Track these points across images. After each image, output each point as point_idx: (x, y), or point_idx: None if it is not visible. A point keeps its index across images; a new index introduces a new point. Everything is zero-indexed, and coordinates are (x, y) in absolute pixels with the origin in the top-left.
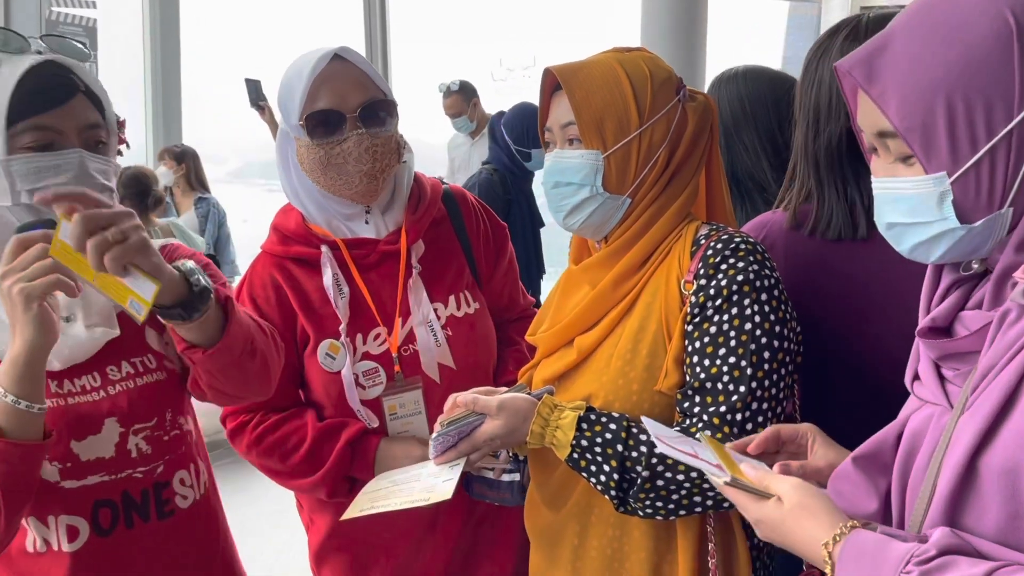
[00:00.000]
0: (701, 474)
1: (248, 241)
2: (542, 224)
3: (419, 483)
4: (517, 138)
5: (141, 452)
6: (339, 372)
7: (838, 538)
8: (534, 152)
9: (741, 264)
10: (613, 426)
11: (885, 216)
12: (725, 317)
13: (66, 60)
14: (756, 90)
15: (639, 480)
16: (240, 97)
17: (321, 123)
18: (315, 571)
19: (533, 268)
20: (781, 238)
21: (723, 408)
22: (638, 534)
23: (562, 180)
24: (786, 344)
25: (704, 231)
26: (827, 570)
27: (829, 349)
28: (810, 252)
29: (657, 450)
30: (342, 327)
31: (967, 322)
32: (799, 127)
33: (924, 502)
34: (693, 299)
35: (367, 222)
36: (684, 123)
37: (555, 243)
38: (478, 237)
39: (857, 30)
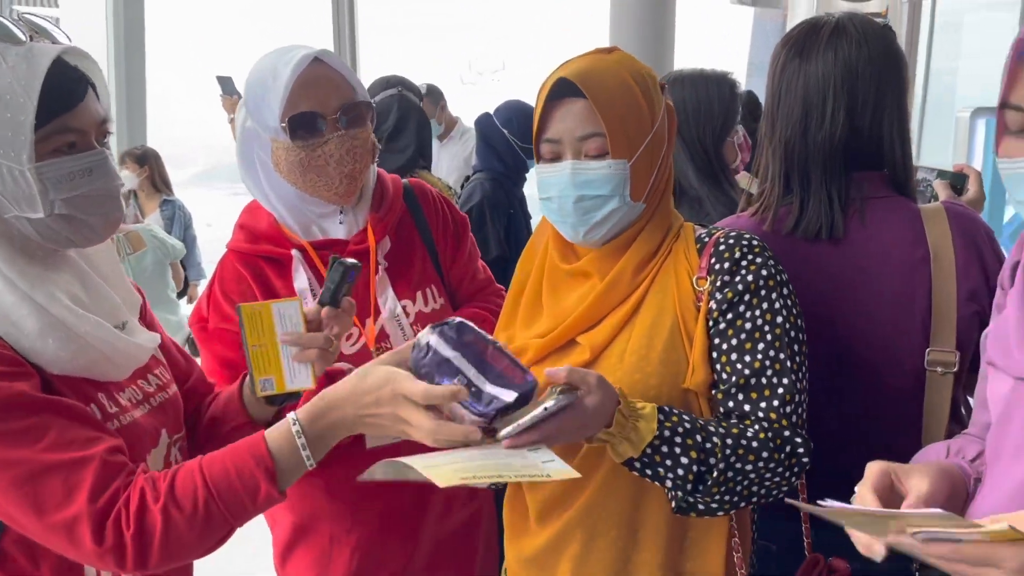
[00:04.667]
0: (766, 464)
1: (213, 245)
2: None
3: (503, 459)
4: (521, 135)
5: (177, 463)
6: None
7: None
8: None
9: (760, 260)
10: (687, 417)
11: None
12: (757, 312)
13: (67, 51)
14: (681, 96)
15: (716, 473)
16: (207, 98)
17: (303, 125)
18: (279, 570)
19: None
20: (764, 239)
21: (775, 402)
22: (650, 528)
23: (589, 193)
24: (803, 336)
25: (701, 231)
26: None
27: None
28: (789, 251)
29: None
30: None
31: None
32: (777, 127)
33: None
34: (719, 295)
35: (341, 221)
36: (671, 123)
37: None
38: (439, 231)
39: (844, 28)
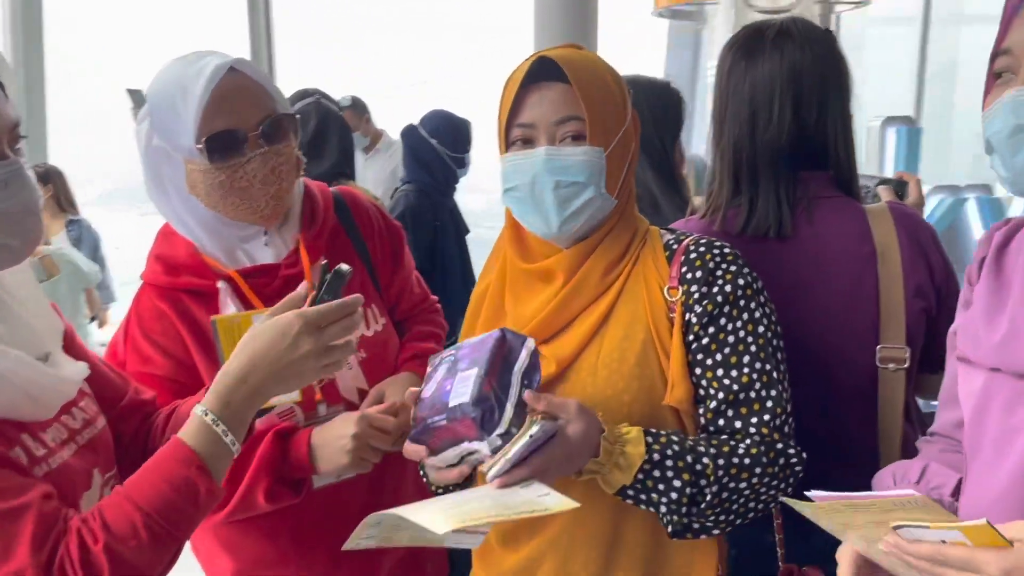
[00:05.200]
0: (760, 479)
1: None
2: (467, 231)
3: (497, 498)
4: (451, 145)
5: None
6: None
7: None
8: (467, 158)
9: (735, 268)
10: (675, 438)
11: (1008, 123)
12: (739, 324)
13: None
14: (639, 100)
15: (709, 494)
16: (112, 113)
17: (223, 145)
18: None
19: (470, 282)
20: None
21: (766, 416)
22: (629, 545)
23: (565, 179)
24: (782, 341)
25: (668, 236)
26: None
27: None
28: (741, 251)
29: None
30: None
31: None
32: (725, 129)
33: None
34: (698, 308)
35: (267, 244)
36: (636, 126)
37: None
38: (375, 244)
39: (788, 31)
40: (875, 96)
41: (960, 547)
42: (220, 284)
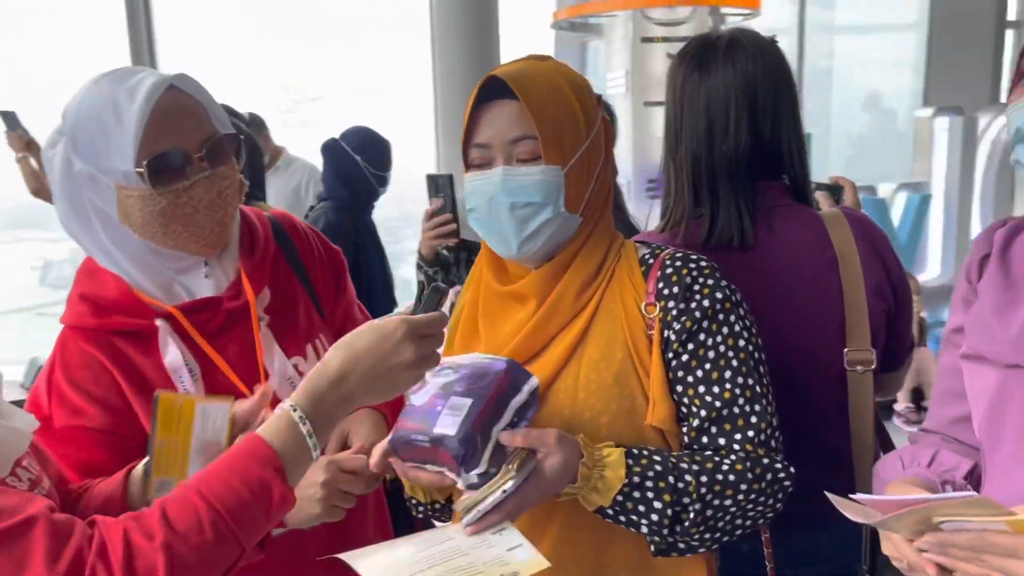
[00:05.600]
0: (746, 496)
1: None
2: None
3: (464, 554)
4: (374, 162)
5: None
6: None
7: None
8: (388, 176)
9: (711, 282)
10: (658, 458)
11: None
12: (719, 338)
13: None
14: None
15: (692, 513)
16: None
17: (166, 168)
18: None
19: (392, 302)
20: None
21: (751, 432)
22: (617, 568)
23: (521, 200)
24: (763, 354)
25: (643, 251)
26: None
27: None
28: None
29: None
30: None
31: None
32: (682, 141)
33: None
34: (677, 325)
35: (207, 275)
36: (608, 135)
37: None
38: (317, 270)
39: (739, 42)
40: None
41: (1004, 535)
42: (159, 322)
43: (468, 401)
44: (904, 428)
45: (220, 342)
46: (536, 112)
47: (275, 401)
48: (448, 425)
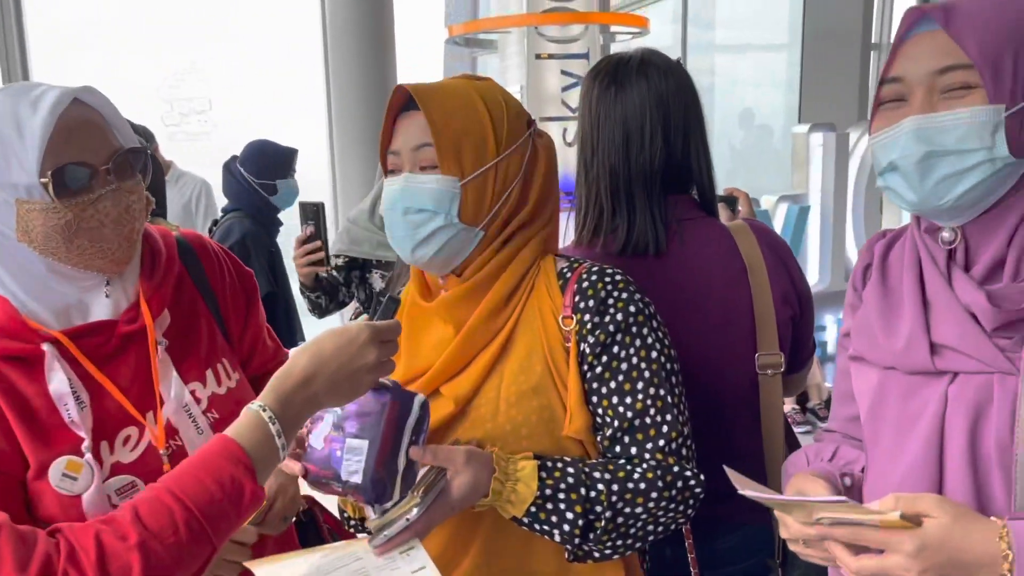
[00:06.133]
0: (656, 503)
1: None
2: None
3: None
4: (258, 172)
5: None
6: (81, 495)
7: (1004, 532)
8: (279, 183)
9: (626, 295)
10: (571, 469)
11: (919, 150)
12: (631, 351)
13: None
14: None
15: (603, 521)
16: None
17: (72, 180)
18: None
19: (295, 317)
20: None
21: (661, 442)
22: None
23: (413, 206)
24: (678, 365)
25: (561, 264)
26: (1006, 566)
27: None
28: (624, 271)
29: (757, 500)
30: (86, 443)
31: (1013, 293)
32: (599, 154)
33: None
34: (591, 339)
35: (108, 295)
36: (536, 158)
37: None
38: (225, 292)
39: (650, 61)
40: None
41: (875, 530)
42: (45, 347)
43: (364, 443)
44: (795, 429)
45: (113, 367)
46: (435, 122)
47: (169, 429)
48: (354, 472)
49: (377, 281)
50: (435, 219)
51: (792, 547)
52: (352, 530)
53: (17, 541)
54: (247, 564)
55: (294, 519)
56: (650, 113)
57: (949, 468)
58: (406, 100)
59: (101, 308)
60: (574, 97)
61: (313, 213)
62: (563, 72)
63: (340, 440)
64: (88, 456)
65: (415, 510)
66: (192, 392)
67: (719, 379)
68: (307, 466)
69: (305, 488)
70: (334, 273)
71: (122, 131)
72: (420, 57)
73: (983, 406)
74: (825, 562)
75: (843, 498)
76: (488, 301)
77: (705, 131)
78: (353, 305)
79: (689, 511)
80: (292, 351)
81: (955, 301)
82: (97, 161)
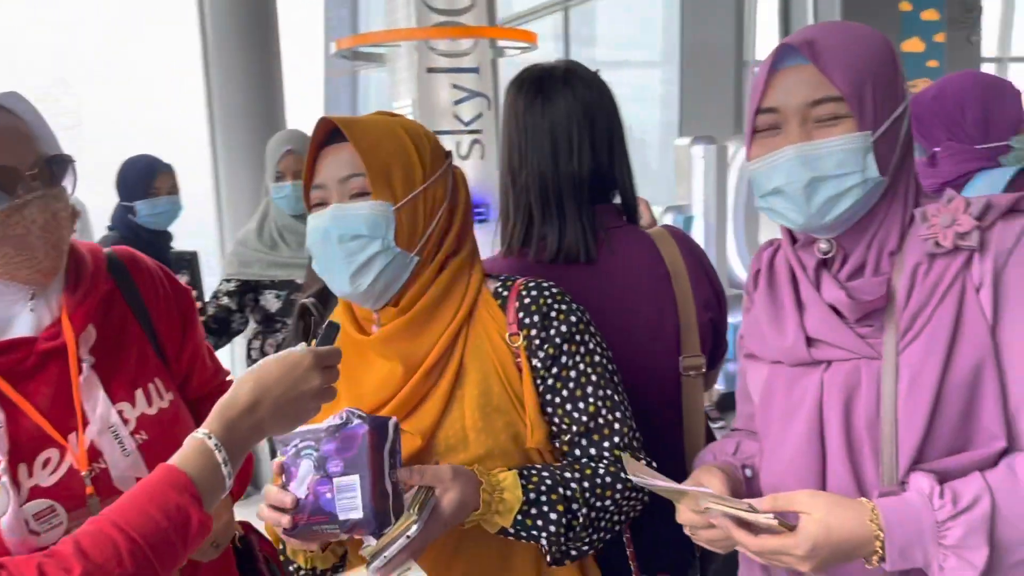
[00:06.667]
0: (622, 494)
1: None
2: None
3: None
4: (121, 193)
5: None
6: None
7: (873, 514)
8: (137, 204)
9: (565, 307)
10: (545, 473)
11: (804, 175)
12: (578, 358)
13: None
14: None
15: (581, 518)
16: None
17: None
18: None
19: None
20: (529, 271)
21: (616, 438)
22: None
23: (348, 232)
24: (614, 364)
25: (494, 284)
26: (877, 544)
27: None
28: (556, 278)
29: (646, 487)
30: (1, 466)
31: (867, 287)
32: (528, 162)
33: (891, 443)
34: (541, 353)
35: (32, 309)
36: (457, 186)
37: None
38: (160, 309)
39: (574, 72)
40: None
41: (772, 537)
42: None
43: (355, 478)
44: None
45: (31, 385)
46: (364, 150)
47: (92, 451)
48: (352, 509)
49: (272, 301)
50: (372, 244)
51: (686, 531)
52: None
53: None
54: None
55: (229, 545)
56: (577, 122)
57: (830, 449)
58: (329, 134)
59: (23, 324)
60: (466, 111)
61: (187, 263)
62: (454, 86)
63: (326, 482)
64: (4, 479)
65: (414, 527)
66: (120, 412)
67: (647, 382)
68: (295, 518)
69: (244, 514)
70: (224, 302)
71: (47, 139)
72: (300, 69)
73: (853, 389)
74: (711, 546)
75: (707, 488)
76: (436, 335)
77: (625, 141)
78: (252, 328)
79: (645, 497)
80: (236, 378)
81: (821, 300)
82: (22, 166)
